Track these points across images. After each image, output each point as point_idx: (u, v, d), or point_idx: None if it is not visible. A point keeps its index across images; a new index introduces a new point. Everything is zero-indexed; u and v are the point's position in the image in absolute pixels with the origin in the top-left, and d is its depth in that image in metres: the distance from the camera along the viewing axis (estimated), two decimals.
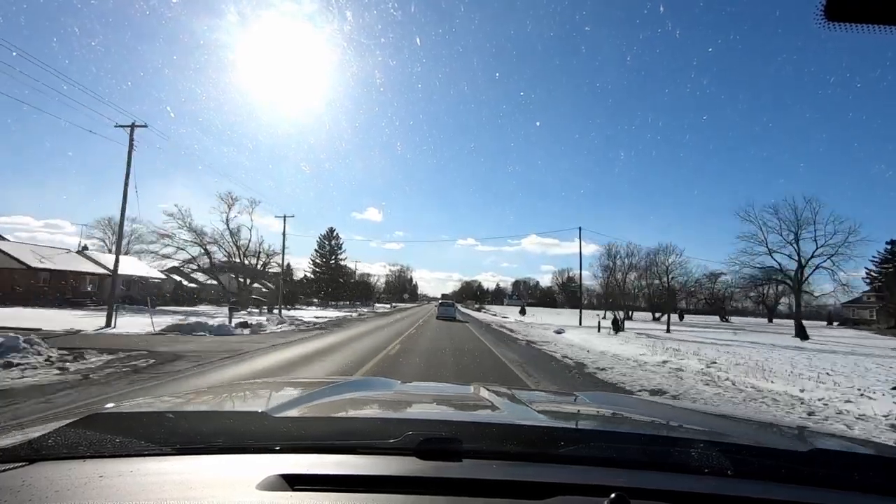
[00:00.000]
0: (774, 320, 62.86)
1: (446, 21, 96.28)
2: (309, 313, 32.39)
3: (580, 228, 36.28)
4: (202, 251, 34.45)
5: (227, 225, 35.60)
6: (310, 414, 1.10)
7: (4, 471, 0.79)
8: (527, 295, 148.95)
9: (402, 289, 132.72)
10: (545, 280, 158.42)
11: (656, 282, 54.56)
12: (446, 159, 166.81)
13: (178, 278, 40.78)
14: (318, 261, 70.50)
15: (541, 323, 32.72)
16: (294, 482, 0.75)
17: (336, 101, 74.30)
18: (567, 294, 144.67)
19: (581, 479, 0.80)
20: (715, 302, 61.98)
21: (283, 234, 33.45)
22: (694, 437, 1.03)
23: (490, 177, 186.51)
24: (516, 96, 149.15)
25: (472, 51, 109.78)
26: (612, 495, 0.69)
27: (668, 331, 29.73)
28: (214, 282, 38.65)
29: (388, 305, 74.31)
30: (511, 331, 23.54)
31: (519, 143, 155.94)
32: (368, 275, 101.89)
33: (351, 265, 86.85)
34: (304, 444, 0.88)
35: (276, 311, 33.20)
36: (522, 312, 56.15)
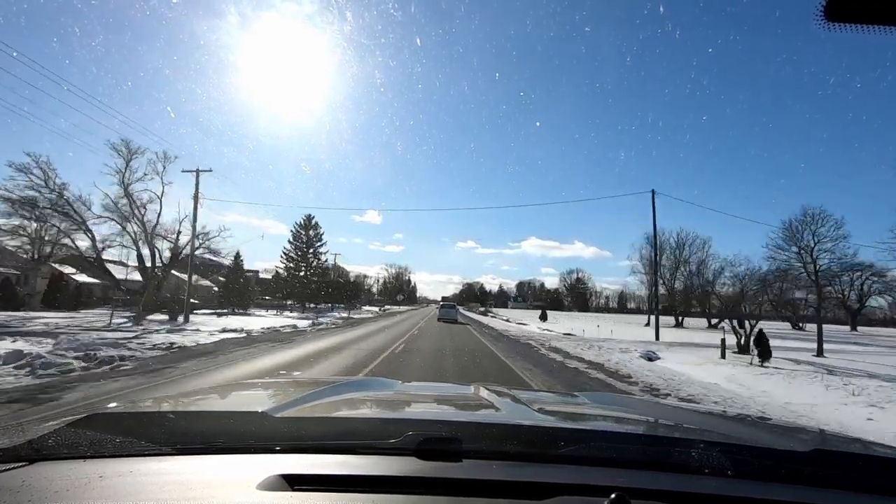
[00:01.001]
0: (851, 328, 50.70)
1: (446, 21, 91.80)
2: (238, 322, 20.57)
3: (653, 192, 23.87)
4: (75, 226, 22.31)
5: (125, 188, 23.64)
6: (310, 414, 1.09)
7: (4, 471, 0.78)
8: (531, 297, 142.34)
9: (399, 290, 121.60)
10: (548, 283, 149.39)
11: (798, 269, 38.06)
12: (446, 160, 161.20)
13: (66, 269, 28.80)
14: (292, 255, 58.25)
15: (595, 338, 20.74)
16: (294, 482, 0.75)
17: (336, 102, 70.05)
18: (575, 296, 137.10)
19: (581, 480, 0.80)
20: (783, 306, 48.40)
21: (195, 198, 21.62)
22: (694, 438, 1.01)
23: (490, 177, 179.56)
24: (516, 96, 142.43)
25: (472, 51, 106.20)
26: (613, 496, 0.69)
27: (819, 353, 17.86)
28: (136, 276, 26.70)
29: (378, 309, 61.84)
30: (595, 366, 11.54)
31: (519, 144, 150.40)
32: (365, 276, 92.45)
33: (340, 263, 76.60)
34: (305, 445, 0.88)
35: (184, 319, 21.38)
36: (543, 318, 44.24)
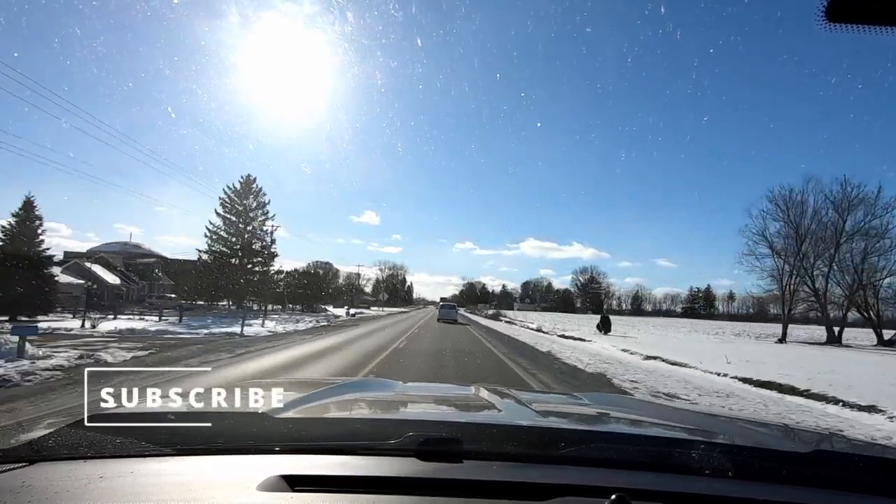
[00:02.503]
0: None
1: (447, 22, 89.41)
2: None
3: None
4: None
5: None
6: (310, 415, 1.10)
7: (5, 471, 0.79)
8: (538, 298, 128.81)
9: (392, 290, 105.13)
10: (552, 283, 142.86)
11: None
12: (446, 161, 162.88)
13: None
14: (221, 233, 40.99)
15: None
16: (294, 483, 0.76)
17: (337, 103, 68.89)
18: (588, 296, 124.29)
19: (582, 480, 0.80)
20: None
21: None
22: (695, 439, 1.01)
23: (490, 178, 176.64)
24: (517, 97, 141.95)
25: (473, 52, 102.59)
26: (613, 496, 0.69)
27: None
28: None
29: (346, 313, 40.76)
30: None
31: (520, 145, 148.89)
32: (357, 275, 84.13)
33: (335, 263, 60.65)
34: (305, 445, 0.88)
35: None
36: (605, 327, 25.55)
